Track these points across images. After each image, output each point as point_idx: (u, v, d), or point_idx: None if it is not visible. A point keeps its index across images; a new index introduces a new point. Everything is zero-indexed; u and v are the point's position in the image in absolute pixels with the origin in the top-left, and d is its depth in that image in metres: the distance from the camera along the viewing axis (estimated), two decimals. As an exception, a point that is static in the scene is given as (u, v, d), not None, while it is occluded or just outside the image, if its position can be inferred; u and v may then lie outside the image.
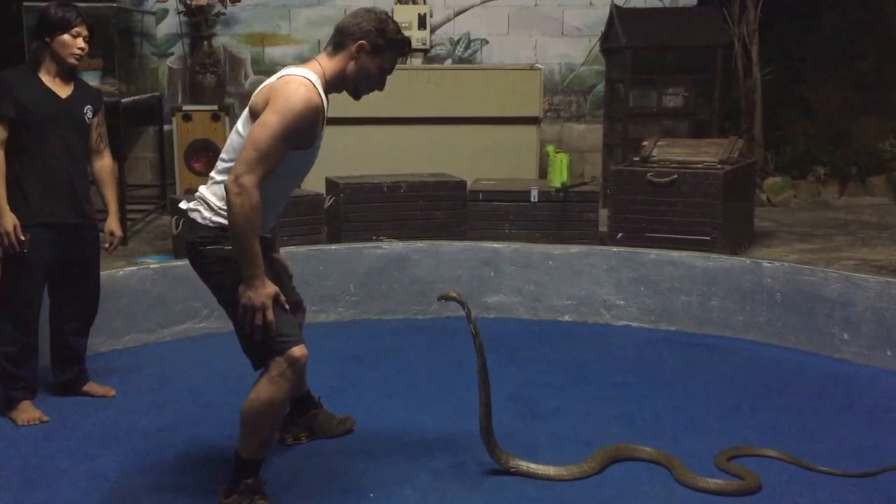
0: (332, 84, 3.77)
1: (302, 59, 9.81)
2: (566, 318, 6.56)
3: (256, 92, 3.70)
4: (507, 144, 9.40)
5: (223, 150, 3.79)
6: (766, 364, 5.70)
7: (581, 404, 4.99)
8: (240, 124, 3.73)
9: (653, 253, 6.53)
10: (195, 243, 3.74)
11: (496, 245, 6.80)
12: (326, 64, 3.75)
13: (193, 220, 3.75)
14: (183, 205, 3.87)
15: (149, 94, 9.82)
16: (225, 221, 3.62)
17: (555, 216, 7.80)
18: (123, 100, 8.58)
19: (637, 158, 8.04)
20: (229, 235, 3.55)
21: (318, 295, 6.36)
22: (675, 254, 6.49)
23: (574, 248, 6.70)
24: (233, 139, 3.73)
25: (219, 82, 9.85)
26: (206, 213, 3.71)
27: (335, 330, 6.29)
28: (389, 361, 5.72)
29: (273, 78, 3.71)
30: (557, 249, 6.69)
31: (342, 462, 4.24)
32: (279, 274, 4.08)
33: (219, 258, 3.68)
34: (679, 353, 5.91)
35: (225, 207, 3.58)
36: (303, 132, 3.60)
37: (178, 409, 4.89)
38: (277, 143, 3.51)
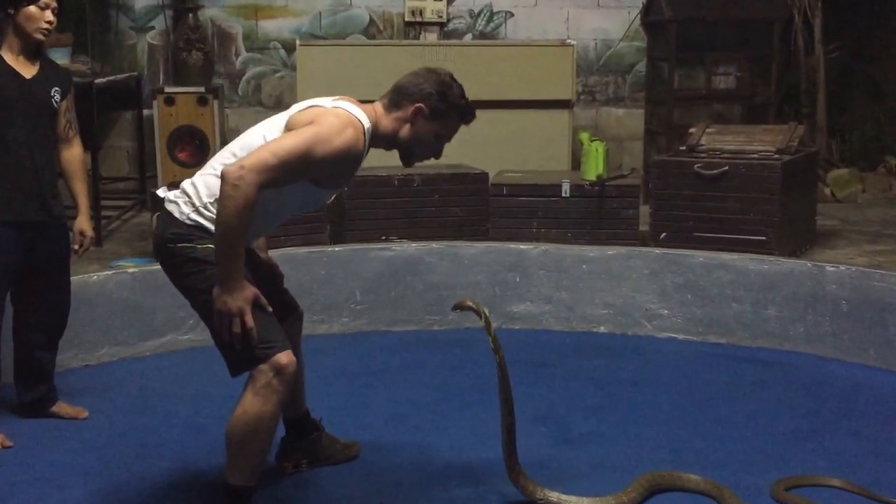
0: (379, 139, 3.84)
1: (300, 34, 10.00)
2: (602, 329, 6.57)
3: (300, 108, 3.77)
4: (536, 131, 9.39)
5: (234, 142, 3.82)
6: (829, 382, 5.70)
7: (619, 427, 5.00)
8: (266, 129, 3.75)
9: (701, 255, 6.54)
10: (165, 240, 3.75)
11: (522, 246, 6.82)
12: (381, 116, 3.83)
13: (169, 214, 3.77)
14: (161, 192, 3.87)
15: (126, 75, 9.82)
16: (203, 221, 3.66)
17: (590, 213, 7.78)
18: (97, 80, 8.57)
19: (683, 147, 8.04)
20: (214, 230, 3.55)
21: (319, 303, 6.37)
22: (726, 256, 6.50)
23: (611, 250, 6.72)
24: (252, 140, 3.74)
25: (206, 61, 9.81)
26: (185, 209, 3.73)
27: (339, 342, 6.31)
28: (400, 378, 5.73)
29: (324, 100, 3.77)
30: (592, 251, 6.70)
31: (347, 492, 4.25)
32: (274, 277, 4.11)
33: (190, 258, 3.70)
34: (730, 368, 5.91)
35: (211, 204, 3.61)
36: (328, 169, 3.65)
37: (158, 433, 4.90)
38: (297, 161, 3.53)
